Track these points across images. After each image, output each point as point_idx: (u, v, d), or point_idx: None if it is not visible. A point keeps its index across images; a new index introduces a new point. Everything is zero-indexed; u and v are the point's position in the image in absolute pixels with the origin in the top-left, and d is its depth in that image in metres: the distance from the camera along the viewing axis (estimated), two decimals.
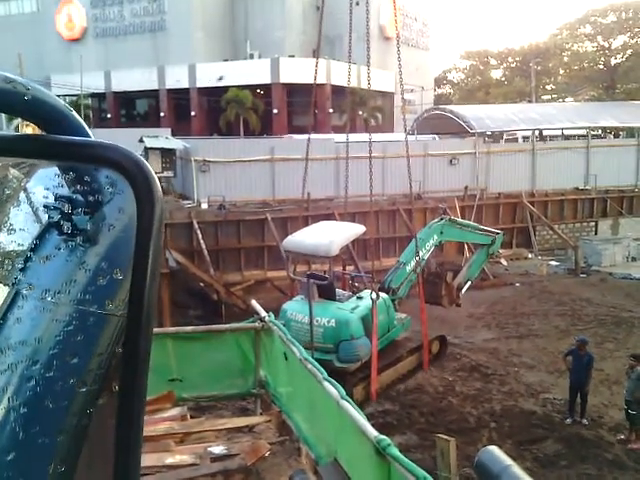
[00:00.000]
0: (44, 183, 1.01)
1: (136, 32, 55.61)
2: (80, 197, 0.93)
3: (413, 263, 15.45)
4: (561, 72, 65.85)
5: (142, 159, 0.87)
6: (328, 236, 14.28)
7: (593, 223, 32.42)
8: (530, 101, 54.14)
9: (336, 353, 13.34)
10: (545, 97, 64.38)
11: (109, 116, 53.86)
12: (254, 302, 10.63)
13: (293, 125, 47.69)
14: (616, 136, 44.37)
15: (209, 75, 47.80)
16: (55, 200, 0.95)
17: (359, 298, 14.25)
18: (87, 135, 0.96)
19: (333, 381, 6.96)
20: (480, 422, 12.27)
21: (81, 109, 46.05)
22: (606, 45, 61.12)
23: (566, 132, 41.23)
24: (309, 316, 13.00)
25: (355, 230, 15.48)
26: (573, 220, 32.24)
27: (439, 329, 16.58)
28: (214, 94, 46.73)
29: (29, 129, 20.64)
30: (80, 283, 0.93)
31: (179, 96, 49.74)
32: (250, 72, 46.82)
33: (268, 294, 19.81)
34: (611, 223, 31.79)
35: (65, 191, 0.96)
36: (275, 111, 47.17)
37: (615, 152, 34.44)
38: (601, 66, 61.46)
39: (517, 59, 67.92)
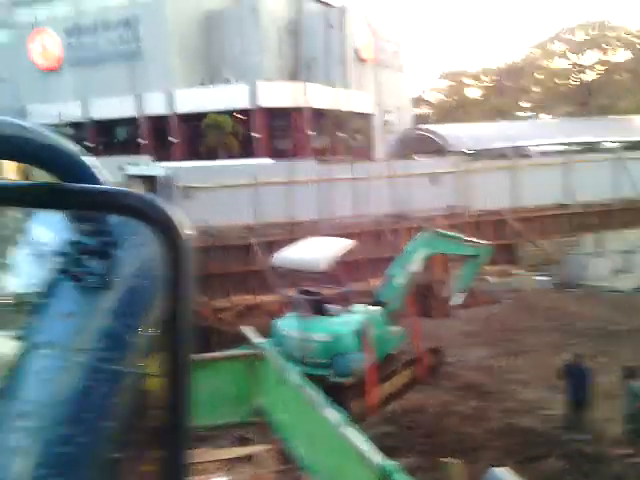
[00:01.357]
0: (49, 225, 0.97)
1: (112, 60, 55.48)
2: (94, 244, 0.89)
3: (402, 276, 15.45)
4: (535, 90, 66.86)
5: (167, 206, 0.82)
6: (318, 251, 14.29)
7: (576, 237, 32.64)
8: (507, 119, 54.84)
9: (331, 368, 13.24)
10: (521, 114, 65.25)
11: (88, 145, 53.57)
12: (245, 328, 10.47)
13: (274, 148, 47.75)
14: (593, 151, 45.01)
15: (187, 101, 47.81)
16: (68, 245, 0.91)
17: (352, 312, 14.17)
18: (101, 180, 0.92)
19: (335, 406, 6.81)
20: (480, 441, 12.13)
21: None
22: (578, 62, 62.25)
23: (544, 148, 41.74)
24: (303, 332, 12.90)
25: (344, 244, 15.46)
26: (556, 235, 32.46)
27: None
28: (193, 119, 46.70)
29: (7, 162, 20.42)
30: (96, 339, 0.88)
31: (158, 123, 49.64)
32: (228, 97, 46.89)
33: (259, 319, 19.59)
34: (595, 237, 32.03)
35: (76, 236, 0.91)
36: (256, 135, 47.24)
37: (594, 167, 34.86)
38: (575, 82, 62.54)
39: (493, 78, 68.93)
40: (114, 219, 0.90)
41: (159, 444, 0.82)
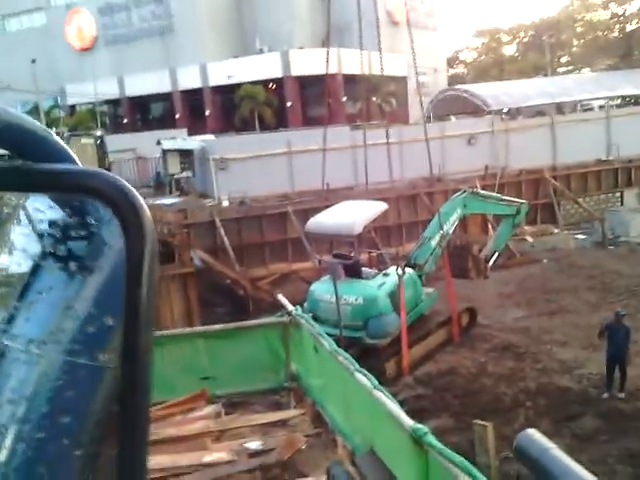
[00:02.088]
0: (31, 205, 0.92)
1: (145, 36, 55.84)
2: (77, 224, 0.85)
3: (438, 237, 15.41)
4: (575, 43, 64.72)
5: (129, 186, 0.78)
6: (350, 215, 14.33)
7: (618, 194, 31.87)
8: (546, 75, 53.33)
9: (365, 330, 13.41)
10: (561, 70, 63.36)
11: (125, 121, 54.23)
12: (280, 296, 10.63)
13: (308, 116, 47.58)
14: (636, 104, 43.52)
15: (221, 73, 47.84)
16: (50, 226, 0.87)
17: (385, 275, 14.27)
18: (71, 160, 0.86)
19: (365, 371, 6.93)
20: (515, 402, 12.15)
21: (97, 116, 46.53)
22: (620, 12, 59.90)
23: (585, 103, 40.58)
24: (336, 295, 13.02)
25: (377, 208, 15.41)
26: (597, 192, 31.73)
27: None
28: (227, 91, 46.80)
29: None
30: (68, 331, 0.83)
31: (193, 96, 49.90)
32: (261, 67, 46.78)
33: (294, 286, 19.80)
34: (637, 192, 31.21)
35: (58, 216, 0.87)
36: (289, 104, 47.08)
37: (636, 120, 33.75)
38: (616, 34, 60.29)
39: (530, 33, 66.93)
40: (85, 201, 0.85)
41: (117, 440, 0.76)
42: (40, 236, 0.89)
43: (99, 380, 0.83)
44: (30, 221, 0.93)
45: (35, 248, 0.89)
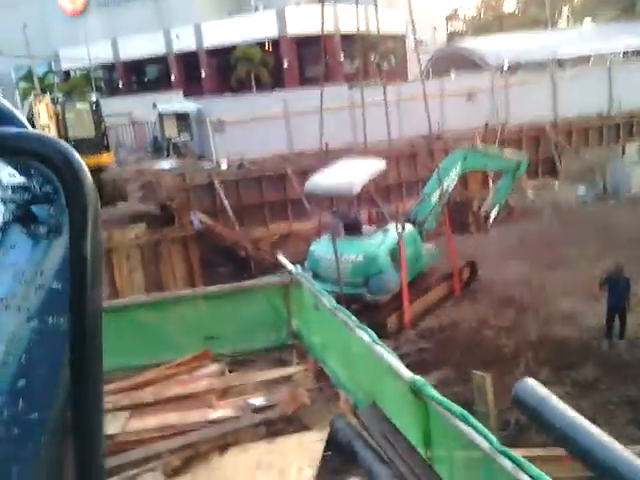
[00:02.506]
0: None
1: None
2: (40, 188, 0.82)
3: (438, 193, 15.39)
4: None
5: (69, 148, 0.76)
6: (349, 175, 14.28)
7: (620, 147, 31.62)
8: (546, 29, 52.47)
9: (366, 287, 13.50)
10: (562, 24, 62.31)
11: (121, 85, 53.66)
12: (281, 256, 10.67)
13: (305, 76, 47.02)
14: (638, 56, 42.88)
15: (216, 33, 47.08)
16: (12, 191, 0.85)
17: (385, 232, 14.28)
18: (17, 122, 0.85)
19: (365, 327, 7.00)
20: (516, 352, 12.29)
21: (92, 81, 46.02)
22: None
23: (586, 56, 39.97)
24: (337, 253, 13.07)
25: (376, 166, 15.34)
26: (599, 146, 31.49)
27: None
28: (223, 53, 46.17)
29: (42, 105, 20.51)
30: (19, 295, 0.82)
31: (188, 58, 49.25)
32: (256, 26, 46.02)
33: (295, 246, 19.85)
34: (638, 146, 30.95)
35: (20, 180, 0.84)
36: (285, 64, 46.48)
37: (638, 73, 33.31)
38: None
39: None
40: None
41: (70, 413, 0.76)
42: (2, 202, 0.88)
43: (49, 343, 0.81)
44: None
45: (14, 209, 0.87)
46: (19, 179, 0.85)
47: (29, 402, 0.81)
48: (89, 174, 0.76)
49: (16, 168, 0.85)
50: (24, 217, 0.84)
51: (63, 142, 0.76)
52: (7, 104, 0.87)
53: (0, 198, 0.87)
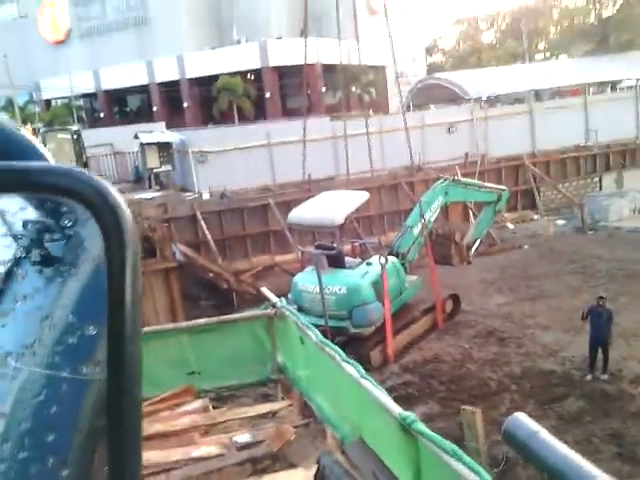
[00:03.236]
0: (5, 204, 0.87)
1: (120, 28, 55.17)
2: (53, 224, 0.79)
3: (420, 226, 15.50)
4: (553, 30, 65.07)
5: (107, 185, 0.72)
6: (332, 206, 14.34)
7: (597, 179, 32.19)
8: (524, 62, 53.63)
9: (350, 319, 13.46)
10: (538, 56, 63.74)
11: (102, 115, 53.65)
12: (264, 289, 10.61)
13: (287, 107, 47.43)
14: (613, 89, 43.97)
15: (198, 65, 47.42)
16: (24, 227, 0.80)
17: (368, 264, 14.35)
18: (41, 157, 0.81)
19: (352, 361, 6.95)
20: (501, 386, 12.29)
21: (74, 110, 45.96)
22: None
23: (563, 90, 40.90)
24: (320, 285, 13.02)
25: (359, 198, 15.45)
26: (576, 177, 32.04)
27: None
28: (205, 83, 46.44)
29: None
30: (47, 342, 0.77)
31: (170, 88, 49.45)
32: (239, 58, 46.44)
33: (277, 278, 19.80)
34: (615, 177, 31.55)
35: (33, 215, 0.81)
36: (268, 95, 46.87)
37: (614, 106, 34.11)
38: (592, 20, 60.70)
39: (507, 21, 67.16)
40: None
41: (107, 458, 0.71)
42: (14, 238, 0.84)
43: (83, 393, 0.78)
44: (4, 223, 0.88)
45: (8, 252, 0.83)
46: (31, 213, 0.81)
47: (46, 455, 0.76)
48: (128, 211, 0.72)
49: (30, 201, 0.82)
50: (37, 253, 0.80)
51: (99, 178, 0.72)
52: (32, 138, 0.84)
53: (11, 234, 0.84)
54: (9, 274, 0.84)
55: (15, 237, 0.83)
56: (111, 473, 0.71)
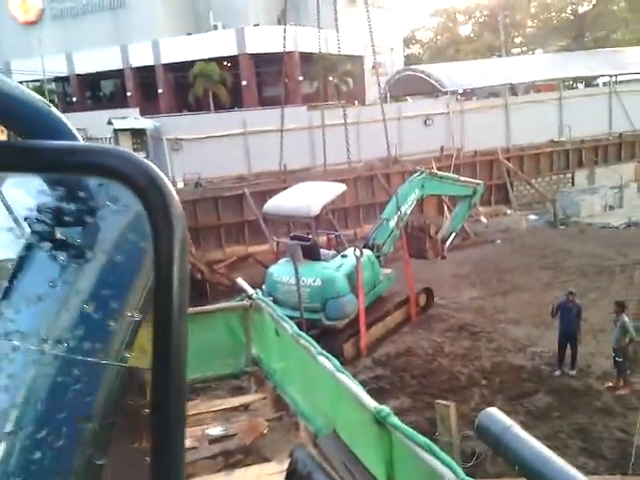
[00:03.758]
0: (22, 188, 0.85)
1: (95, 11, 54.07)
2: (71, 209, 0.77)
3: (395, 219, 15.54)
4: (529, 24, 65.52)
5: (155, 168, 0.70)
6: (308, 197, 14.32)
7: (570, 175, 32.66)
8: (500, 56, 53.97)
9: (324, 312, 13.49)
10: (515, 50, 64.17)
11: (75, 100, 52.72)
12: (240, 280, 10.57)
13: (263, 96, 47.09)
14: (587, 85, 44.50)
15: (174, 50, 46.80)
16: (39, 212, 0.79)
17: (343, 256, 14.37)
18: (73, 137, 0.81)
19: (327, 354, 6.97)
20: (471, 380, 12.45)
21: (46, 94, 45.10)
22: None
23: (538, 84, 41.26)
24: (294, 277, 13.00)
25: (335, 189, 15.46)
26: (549, 173, 32.48)
27: None
28: (180, 69, 45.86)
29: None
30: (72, 326, 0.76)
31: (145, 74, 48.71)
32: (215, 44, 45.91)
33: (252, 269, 19.75)
34: (587, 173, 32.05)
35: (50, 200, 0.79)
36: (244, 83, 46.48)
37: (588, 102, 34.54)
38: (569, 15, 61.26)
39: (485, 13, 67.44)
40: (93, 181, 0.78)
41: (150, 441, 0.70)
42: (28, 224, 0.83)
43: (104, 378, 0.78)
44: (8, 211, 0.88)
45: (41, 231, 0.81)
46: (46, 198, 0.80)
47: (67, 437, 0.76)
48: (175, 194, 0.70)
49: (46, 186, 0.80)
50: (51, 239, 0.79)
51: (147, 161, 0.70)
52: (66, 120, 0.82)
53: (24, 218, 0.82)
54: (22, 260, 0.83)
55: (29, 222, 0.82)
56: (154, 464, 0.70)
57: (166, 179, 0.70)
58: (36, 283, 0.82)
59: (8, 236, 0.88)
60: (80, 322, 0.78)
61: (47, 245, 0.80)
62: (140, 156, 0.71)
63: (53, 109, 0.81)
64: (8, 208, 0.88)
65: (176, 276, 0.68)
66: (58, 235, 0.79)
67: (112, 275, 0.79)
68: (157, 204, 0.68)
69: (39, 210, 0.80)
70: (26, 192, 0.84)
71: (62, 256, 0.79)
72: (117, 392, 0.79)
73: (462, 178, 18.71)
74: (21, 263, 0.84)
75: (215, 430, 7.61)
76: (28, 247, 0.83)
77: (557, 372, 12.54)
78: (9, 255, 0.86)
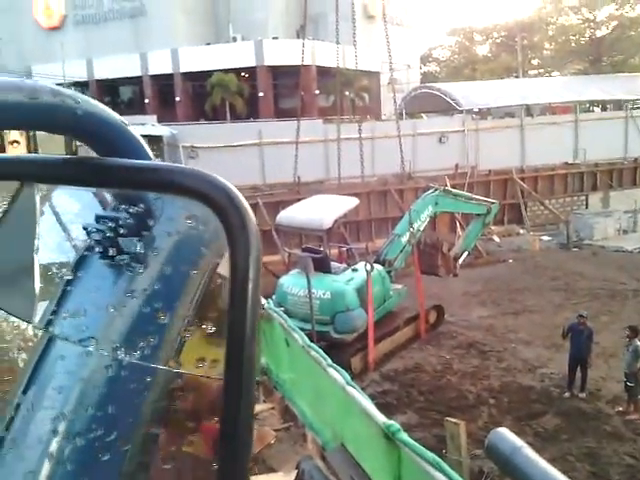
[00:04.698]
0: (78, 200, 0.88)
1: (116, 18, 54.75)
2: (129, 220, 0.80)
3: (408, 235, 15.54)
4: (547, 46, 65.53)
5: (233, 187, 0.73)
6: (321, 210, 14.36)
7: (584, 197, 32.54)
8: (517, 76, 54.01)
9: (332, 324, 13.46)
10: (532, 72, 64.17)
11: None
12: None
13: (280, 108, 47.34)
14: (604, 109, 44.41)
15: (192, 60, 47.20)
16: (100, 220, 0.81)
17: (354, 270, 14.35)
18: (146, 154, 0.84)
19: (338, 367, 6.95)
20: (479, 399, 12.35)
21: None
22: (591, 17, 60.84)
23: (554, 106, 41.21)
24: (307, 289, 12.99)
25: (348, 203, 15.49)
26: (563, 195, 32.37)
27: None
28: (198, 79, 46.21)
29: (19, 149, 19.97)
30: (112, 334, 0.78)
31: (163, 82, 49.12)
32: (234, 55, 46.28)
33: (263, 279, 19.56)
34: (601, 196, 31.93)
35: (109, 210, 0.82)
36: (261, 94, 46.75)
37: (604, 125, 34.47)
38: (587, 39, 61.27)
39: (503, 34, 67.53)
40: (152, 195, 0.81)
41: (217, 455, 0.72)
42: (87, 233, 0.85)
43: (156, 383, 0.79)
44: (59, 223, 0.90)
45: (99, 240, 0.84)
46: (104, 209, 0.83)
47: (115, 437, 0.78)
48: (252, 213, 0.73)
49: (113, 197, 0.83)
50: (109, 248, 0.81)
51: (224, 180, 0.73)
52: (141, 139, 0.85)
53: (83, 227, 0.85)
54: (79, 266, 0.86)
55: (87, 231, 0.84)
56: (222, 469, 0.71)
57: (244, 200, 0.73)
58: (93, 290, 0.84)
59: (55, 241, 0.91)
60: (136, 329, 0.80)
61: (104, 253, 0.82)
62: (220, 177, 0.73)
63: (130, 128, 0.85)
64: (56, 215, 0.91)
65: (251, 292, 0.70)
66: (117, 244, 0.81)
67: (168, 285, 0.81)
68: (236, 223, 0.70)
69: (97, 220, 0.83)
70: (81, 202, 0.88)
71: (120, 264, 0.81)
72: (167, 397, 0.81)
73: (476, 197, 18.69)
74: (77, 269, 0.86)
75: None
76: (85, 254, 0.86)
77: (567, 394, 12.43)
78: (56, 259, 0.89)
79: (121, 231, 0.81)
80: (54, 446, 0.79)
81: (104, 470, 0.79)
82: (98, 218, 0.83)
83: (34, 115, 0.74)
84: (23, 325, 0.91)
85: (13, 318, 0.92)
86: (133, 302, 0.81)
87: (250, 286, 0.70)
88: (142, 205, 0.82)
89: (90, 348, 0.81)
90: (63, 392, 0.81)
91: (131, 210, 0.82)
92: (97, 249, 0.83)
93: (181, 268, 0.81)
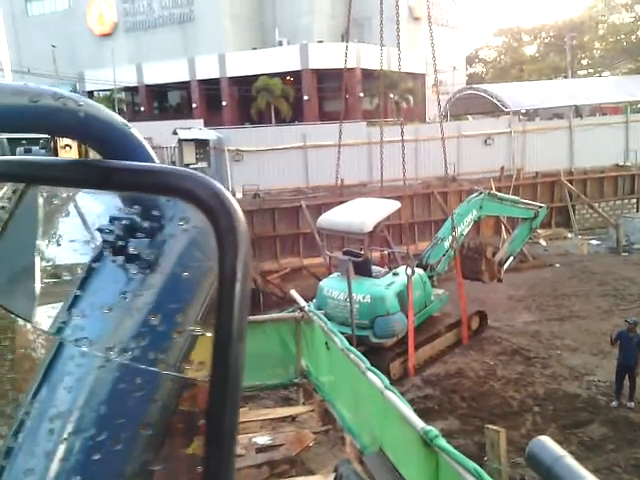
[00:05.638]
0: (99, 201, 0.89)
1: (165, 24, 55.93)
2: (140, 222, 0.81)
3: (451, 239, 15.38)
4: (597, 46, 64.05)
5: (224, 190, 0.74)
6: (362, 213, 14.31)
7: (634, 200, 31.66)
8: (566, 77, 52.92)
9: (372, 329, 13.40)
10: (581, 72, 62.78)
11: (142, 109, 54.36)
12: (293, 291, 10.65)
13: (324, 111, 47.51)
14: None
15: (239, 64, 47.79)
16: (111, 222, 0.83)
17: (395, 274, 14.24)
18: (149, 156, 0.85)
19: (376, 370, 6.94)
20: (523, 406, 12.13)
21: (115, 103, 46.68)
22: None
23: (604, 107, 40.25)
24: (347, 293, 12.96)
25: (390, 206, 15.40)
26: (613, 197, 31.55)
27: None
28: (244, 83, 46.76)
29: (71, 153, 20.46)
30: (123, 336, 0.79)
31: (210, 86, 49.87)
32: (279, 59, 46.70)
33: (305, 281, 19.85)
34: None
35: (120, 212, 0.83)
36: (306, 98, 47.00)
37: None
38: (639, 37, 59.63)
39: (551, 34, 66.28)
40: (163, 199, 0.81)
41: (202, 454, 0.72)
42: (101, 233, 0.86)
43: (161, 387, 0.79)
44: (83, 222, 0.92)
45: (110, 242, 0.84)
46: (120, 211, 0.83)
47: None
48: (242, 216, 0.73)
49: (121, 200, 0.84)
50: (120, 249, 0.82)
51: (216, 182, 0.73)
52: (144, 142, 0.87)
53: (98, 228, 0.85)
54: (92, 267, 0.87)
55: (102, 232, 0.85)
56: (207, 470, 0.71)
57: (235, 202, 0.73)
58: (104, 291, 0.85)
59: (78, 242, 0.92)
60: (143, 332, 0.80)
61: (117, 255, 0.82)
62: (211, 179, 0.74)
63: (133, 131, 0.86)
64: (81, 216, 0.92)
65: (238, 294, 0.70)
66: (129, 247, 0.81)
67: (175, 289, 0.81)
68: (225, 225, 0.71)
69: (112, 221, 0.83)
70: (101, 203, 0.89)
71: (131, 267, 0.82)
72: (172, 400, 0.81)
73: (523, 200, 18.35)
74: (90, 271, 0.87)
75: (262, 439, 7.66)
76: (98, 256, 0.86)
77: (614, 403, 12.12)
78: (79, 260, 0.90)
79: (129, 233, 0.82)
80: (61, 450, 0.80)
81: (111, 474, 0.80)
82: (112, 219, 0.84)
83: (37, 118, 0.77)
84: (31, 328, 0.94)
85: (25, 322, 0.95)
86: (138, 304, 0.81)
87: (238, 288, 0.71)
88: (148, 207, 0.83)
89: (95, 351, 0.81)
90: (73, 394, 0.83)
91: (136, 212, 0.83)
92: (107, 251, 0.84)
93: (188, 271, 0.81)
